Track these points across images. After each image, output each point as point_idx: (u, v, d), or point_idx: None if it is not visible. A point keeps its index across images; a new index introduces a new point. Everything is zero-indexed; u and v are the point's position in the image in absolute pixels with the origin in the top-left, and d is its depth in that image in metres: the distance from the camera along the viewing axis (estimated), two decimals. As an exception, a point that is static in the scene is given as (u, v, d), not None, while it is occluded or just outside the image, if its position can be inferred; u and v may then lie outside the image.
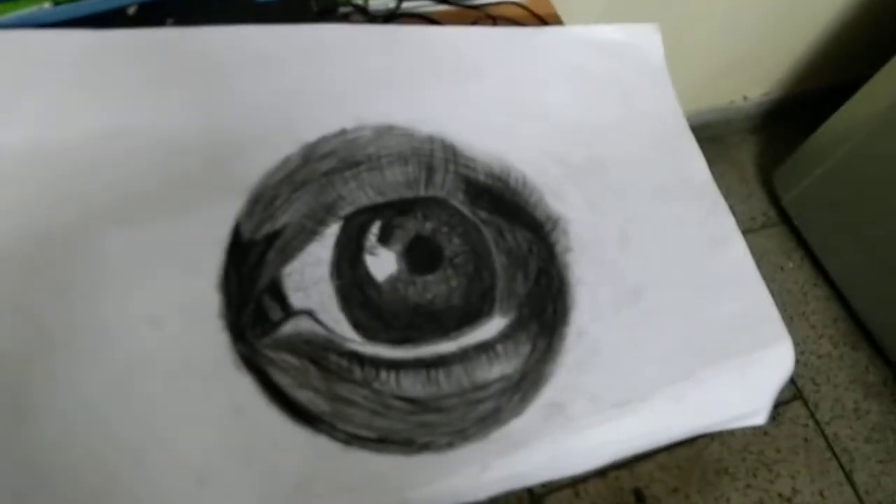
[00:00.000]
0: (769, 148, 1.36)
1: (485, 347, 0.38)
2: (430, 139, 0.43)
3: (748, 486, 1.01)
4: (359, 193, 0.40)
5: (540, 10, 0.51)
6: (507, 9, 0.51)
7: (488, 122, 0.45)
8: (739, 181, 1.32)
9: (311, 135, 0.41)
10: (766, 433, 1.06)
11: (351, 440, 0.34)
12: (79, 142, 0.37)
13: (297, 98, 0.42)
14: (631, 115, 0.48)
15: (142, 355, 0.34)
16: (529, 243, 0.42)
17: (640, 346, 0.40)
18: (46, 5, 0.38)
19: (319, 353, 0.36)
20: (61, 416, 0.32)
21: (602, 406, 0.38)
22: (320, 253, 0.38)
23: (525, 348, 0.39)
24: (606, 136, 0.47)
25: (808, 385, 1.11)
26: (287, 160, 0.40)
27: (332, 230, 0.39)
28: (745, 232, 1.24)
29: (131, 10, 0.40)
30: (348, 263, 0.39)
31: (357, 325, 0.37)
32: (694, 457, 1.01)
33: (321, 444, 0.34)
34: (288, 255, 0.38)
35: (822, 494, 1.03)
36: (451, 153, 0.43)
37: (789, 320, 1.16)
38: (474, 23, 0.49)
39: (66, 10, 0.39)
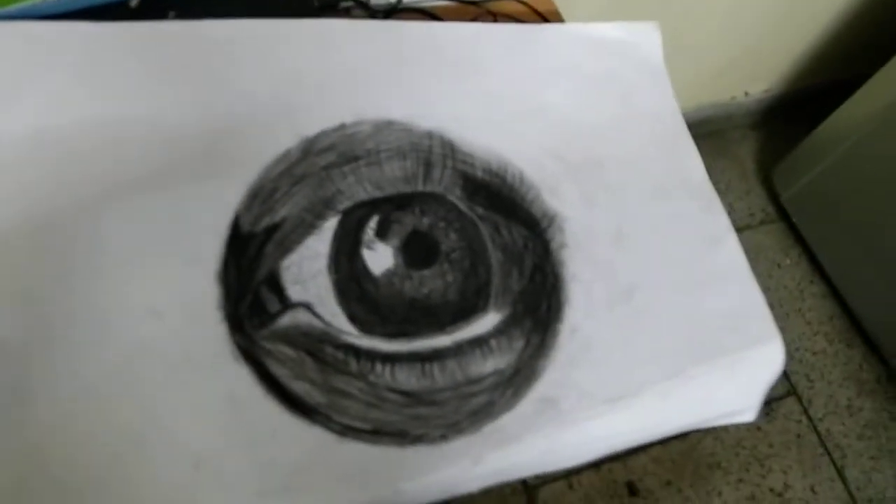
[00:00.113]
0: (769, 144, 1.36)
1: (479, 342, 0.39)
2: (429, 135, 0.43)
3: (740, 480, 1.02)
4: (357, 188, 0.41)
5: (540, 7, 0.52)
6: (507, 5, 0.51)
7: (487, 119, 0.45)
8: (739, 177, 1.32)
9: (310, 129, 0.41)
10: (759, 428, 1.06)
11: (346, 431, 0.35)
12: (79, 132, 0.38)
13: (298, 92, 0.42)
14: (629, 114, 0.49)
15: (141, 344, 0.35)
16: (525, 240, 0.42)
17: (632, 343, 0.41)
18: (50, -4, 0.39)
19: (316, 345, 0.37)
20: (61, 402, 0.33)
21: (593, 401, 0.39)
22: (318, 246, 0.39)
23: (519, 344, 0.39)
24: (604, 133, 0.47)
25: (802, 381, 1.12)
26: (287, 154, 0.40)
27: (331, 224, 0.40)
28: (744, 228, 1.26)
29: (134, 3, 0.40)
30: (346, 257, 0.39)
31: (354, 319, 0.38)
32: (687, 451, 1.02)
33: (316, 435, 0.35)
34: (286, 248, 0.38)
35: (813, 490, 1.04)
36: (449, 149, 0.43)
37: (785, 316, 1.17)
38: (474, 19, 0.49)
39: (70, 2, 0.39)
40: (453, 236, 0.42)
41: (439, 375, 0.38)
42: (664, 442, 0.99)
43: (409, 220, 0.41)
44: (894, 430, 1.11)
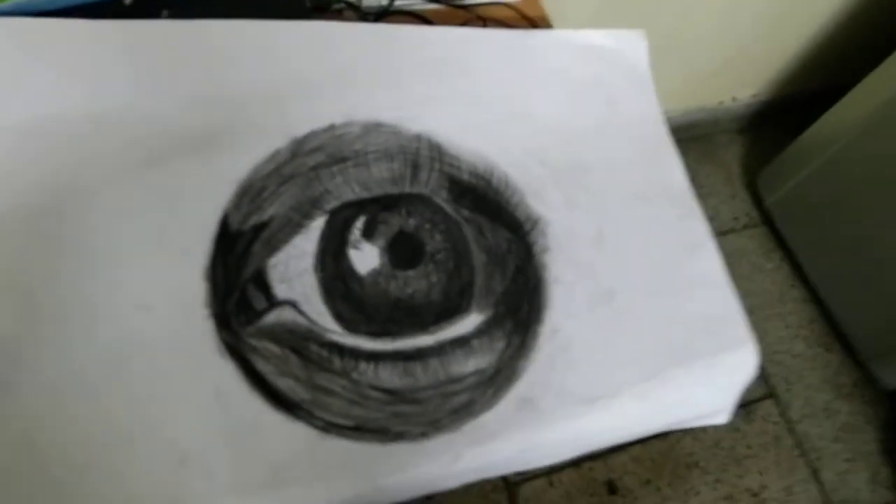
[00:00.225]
0: (755, 149, 1.37)
1: (461, 342, 0.40)
2: (417, 137, 0.44)
3: (718, 480, 1.03)
4: (345, 188, 0.42)
5: (529, 12, 0.53)
6: (496, 10, 0.52)
7: (474, 122, 0.46)
8: (724, 181, 1.33)
9: (300, 129, 0.42)
10: (737, 429, 1.08)
11: (328, 427, 0.36)
12: (71, 128, 0.38)
13: (288, 93, 0.43)
14: (614, 120, 0.49)
15: (129, 338, 0.35)
16: (508, 242, 0.43)
17: (610, 345, 0.42)
18: (44, -8, 0.39)
19: (301, 342, 0.37)
20: (49, 393, 0.33)
21: (571, 401, 0.40)
22: (305, 245, 0.40)
23: (500, 344, 0.40)
24: (589, 139, 0.48)
25: (780, 384, 1.14)
26: (276, 153, 0.41)
27: (318, 223, 0.40)
28: (728, 231, 1.28)
29: (128, 1, 0.41)
30: (332, 256, 0.40)
31: (339, 317, 0.39)
32: (667, 450, 1.04)
33: (299, 431, 0.35)
34: (274, 246, 0.39)
35: (788, 491, 1.05)
36: (436, 151, 0.44)
37: (766, 320, 1.19)
38: (464, 23, 0.50)
39: (64, -1, 0.40)
40: (438, 238, 0.42)
41: (422, 374, 0.38)
42: (644, 441, 1.01)
43: (395, 221, 0.42)
44: (869, 434, 1.13)
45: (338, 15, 0.47)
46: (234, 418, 0.35)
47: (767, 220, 1.28)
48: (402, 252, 0.42)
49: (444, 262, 0.42)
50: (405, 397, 0.38)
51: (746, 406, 1.11)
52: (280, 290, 0.38)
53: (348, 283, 0.40)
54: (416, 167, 0.43)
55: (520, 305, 0.42)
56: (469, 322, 0.41)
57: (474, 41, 0.48)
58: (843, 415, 1.14)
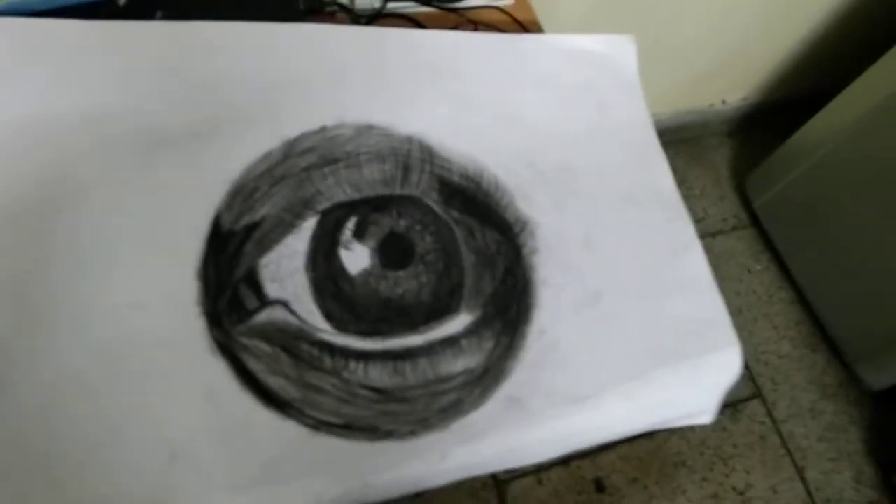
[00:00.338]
0: (745, 152, 1.39)
1: (450, 342, 0.40)
2: (408, 139, 0.45)
3: (704, 479, 1.05)
4: (336, 189, 0.42)
5: (520, 16, 0.53)
6: (488, 13, 0.52)
7: (465, 125, 0.46)
8: (714, 183, 1.35)
9: (292, 131, 0.42)
10: (724, 429, 1.09)
11: (318, 426, 0.36)
12: (64, 128, 0.38)
13: (280, 94, 0.43)
14: (603, 124, 0.50)
15: (122, 337, 0.36)
16: (498, 244, 0.44)
17: (596, 346, 0.43)
18: (38, -8, 0.39)
19: (292, 341, 0.38)
20: (43, 391, 0.33)
21: (558, 401, 0.40)
22: (297, 245, 0.40)
23: (488, 344, 0.41)
24: (578, 143, 0.49)
25: (767, 384, 1.15)
26: (268, 154, 0.41)
27: (309, 224, 0.41)
28: (717, 233, 1.29)
29: (122, 1, 0.41)
30: (323, 257, 0.40)
31: (329, 317, 0.39)
32: (654, 449, 1.05)
33: (290, 429, 0.36)
34: (265, 246, 0.40)
35: (774, 489, 1.07)
36: (427, 153, 0.45)
37: (754, 321, 1.20)
38: (456, 27, 0.50)
39: (58, -1, 0.40)
40: (428, 239, 0.43)
41: (411, 373, 0.39)
42: (631, 440, 1.01)
43: (386, 222, 0.43)
44: (854, 433, 1.15)
45: (330, 17, 0.48)
46: (226, 416, 0.35)
47: (756, 222, 1.29)
48: (393, 253, 0.42)
49: (434, 262, 0.42)
50: (394, 396, 0.38)
51: (733, 406, 1.12)
52: (271, 290, 0.39)
53: (339, 283, 0.40)
54: (407, 169, 0.44)
55: (508, 306, 0.42)
56: (458, 322, 0.41)
57: (465, 45, 0.49)
58: (829, 415, 1.15)
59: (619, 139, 0.50)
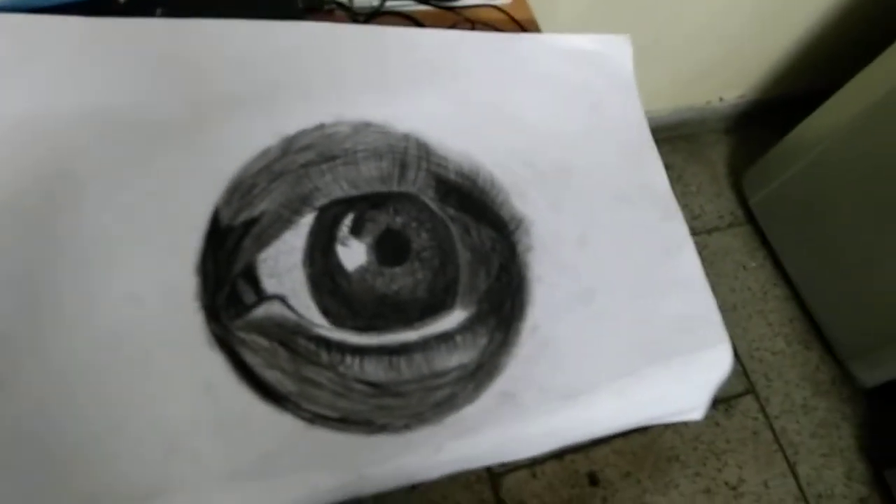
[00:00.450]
0: (741, 149, 1.39)
1: (445, 338, 0.41)
2: (405, 137, 0.45)
3: (697, 473, 1.06)
4: (334, 186, 0.43)
5: (518, 15, 0.54)
6: (485, 12, 0.53)
7: (462, 123, 0.47)
8: (710, 180, 1.35)
9: (290, 128, 0.43)
10: (717, 424, 1.10)
11: (314, 419, 0.37)
12: (64, 124, 0.39)
13: (279, 92, 0.44)
14: (598, 124, 0.51)
15: (121, 331, 0.36)
16: (493, 241, 0.44)
17: (589, 342, 0.43)
18: (39, -11, 0.40)
19: (289, 336, 0.38)
20: (43, 382, 0.34)
21: (550, 397, 0.41)
22: (294, 241, 0.41)
23: (482, 340, 0.42)
24: (573, 142, 0.49)
25: (760, 380, 1.16)
26: (267, 151, 0.42)
27: (307, 220, 0.41)
28: (713, 230, 1.30)
29: (122, -2, 0.42)
30: (320, 253, 0.41)
31: (326, 312, 0.40)
32: (648, 444, 1.06)
33: (286, 422, 0.36)
34: (263, 242, 0.40)
35: (766, 484, 1.08)
36: (424, 151, 0.45)
37: (748, 318, 1.21)
38: (453, 26, 0.51)
39: (59, -5, 0.40)
40: (424, 236, 0.43)
41: (406, 368, 0.40)
42: (625, 435, 1.02)
43: (382, 219, 0.43)
44: (846, 430, 1.16)
45: (329, 15, 0.48)
46: (223, 409, 0.36)
47: (752, 219, 1.30)
48: (389, 249, 0.43)
49: (429, 259, 0.43)
50: (389, 390, 0.39)
51: (727, 401, 1.13)
52: (269, 285, 0.39)
53: (336, 279, 0.41)
54: (403, 166, 0.44)
55: (503, 303, 0.43)
56: (453, 318, 0.42)
57: (463, 44, 0.49)
58: (821, 411, 1.16)
59: (615, 139, 0.51)
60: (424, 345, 0.41)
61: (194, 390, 0.36)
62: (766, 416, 1.13)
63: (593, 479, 1.01)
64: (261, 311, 0.38)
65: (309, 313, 0.39)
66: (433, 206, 0.44)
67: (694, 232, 1.26)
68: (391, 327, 0.40)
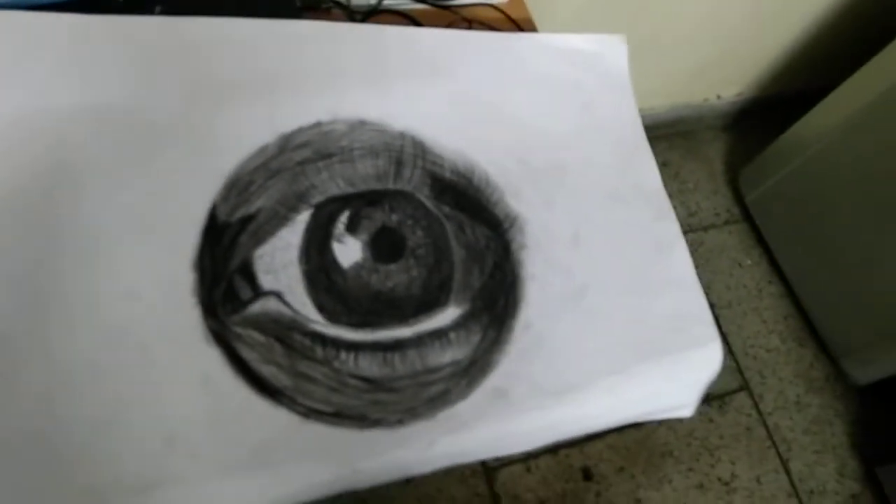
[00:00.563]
0: (738, 147, 1.40)
1: (439, 334, 0.42)
2: (401, 135, 0.46)
3: (690, 469, 1.07)
4: (330, 183, 0.43)
5: (514, 14, 0.54)
6: (482, 11, 0.53)
7: (457, 122, 0.47)
8: (707, 177, 1.36)
9: (287, 125, 0.43)
10: (711, 420, 1.11)
11: (309, 413, 0.38)
12: (63, 121, 0.39)
13: (276, 90, 0.44)
14: (592, 123, 0.51)
15: (119, 326, 0.37)
16: (487, 239, 0.45)
17: (581, 340, 0.44)
18: (38, -14, 0.40)
19: (284, 331, 0.39)
20: (43, 378, 0.34)
21: (542, 393, 0.42)
22: (291, 238, 0.41)
23: (476, 337, 0.42)
24: (567, 141, 0.50)
25: (754, 377, 1.17)
26: (264, 148, 0.42)
27: (303, 217, 0.42)
28: (709, 227, 1.30)
29: (121, -4, 0.42)
30: (316, 249, 0.42)
31: (321, 308, 0.40)
32: (642, 439, 1.06)
33: (281, 416, 0.37)
34: (260, 238, 0.41)
35: (758, 480, 1.09)
36: (420, 149, 0.46)
37: (743, 315, 1.21)
38: (450, 25, 0.51)
39: (58, -8, 0.40)
40: (420, 233, 0.44)
41: (400, 364, 0.40)
42: (620, 430, 1.03)
43: (378, 217, 0.44)
44: (839, 427, 1.17)
45: (326, 13, 0.48)
46: (220, 403, 0.36)
47: (748, 217, 1.31)
48: (385, 246, 0.43)
49: (424, 256, 0.43)
50: (383, 386, 0.39)
51: (721, 398, 1.14)
52: (265, 281, 0.40)
53: (331, 276, 0.41)
54: (399, 164, 0.45)
55: (496, 300, 0.43)
56: (447, 315, 0.42)
57: (458, 43, 0.50)
58: (814, 408, 1.17)
59: (608, 138, 0.51)
60: (418, 341, 0.41)
61: (192, 384, 0.37)
62: (760, 413, 1.14)
63: (587, 474, 1.02)
64: (257, 307, 0.39)
65: (304, 309, 0.40)
66: (428, 203, 0.45)
67: (690, 229, 1.27)
68: (386, 324, 0.41)
